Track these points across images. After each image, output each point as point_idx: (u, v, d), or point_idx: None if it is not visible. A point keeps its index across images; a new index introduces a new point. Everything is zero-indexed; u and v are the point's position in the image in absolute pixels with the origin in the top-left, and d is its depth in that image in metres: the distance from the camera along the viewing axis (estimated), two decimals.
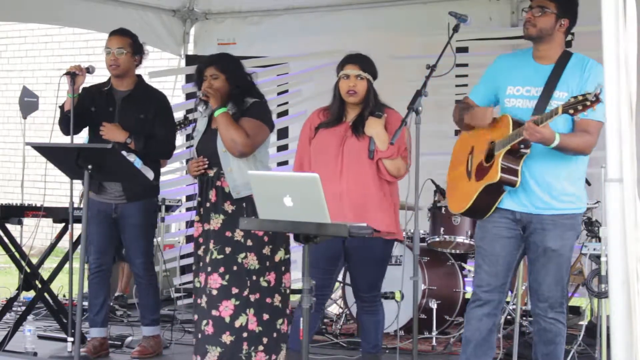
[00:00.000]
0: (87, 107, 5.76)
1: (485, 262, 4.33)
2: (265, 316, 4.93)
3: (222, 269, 4.90)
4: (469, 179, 4.36)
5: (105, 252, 5.84)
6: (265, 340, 4.93)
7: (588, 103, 3.81)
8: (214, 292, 4.89)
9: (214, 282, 4.90)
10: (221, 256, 4.92)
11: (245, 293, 4.90)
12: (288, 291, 5.04)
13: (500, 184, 4.18)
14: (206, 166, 5.00)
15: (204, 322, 4.91)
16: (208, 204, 5.01)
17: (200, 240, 5.04)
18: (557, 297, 4.26)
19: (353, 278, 4.98)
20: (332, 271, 4.87)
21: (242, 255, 4.91)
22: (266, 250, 4.95)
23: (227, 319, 4.87)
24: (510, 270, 4.35)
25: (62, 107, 5.71)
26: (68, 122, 5.57)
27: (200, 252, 5.03)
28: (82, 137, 7.16)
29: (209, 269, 4.92)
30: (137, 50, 5.82)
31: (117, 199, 5.75)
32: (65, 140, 5.64)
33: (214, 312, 4.88)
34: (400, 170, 4.79)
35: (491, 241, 4.31)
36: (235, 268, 4.91)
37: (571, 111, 3.85)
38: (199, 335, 4.94)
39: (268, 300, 4.94)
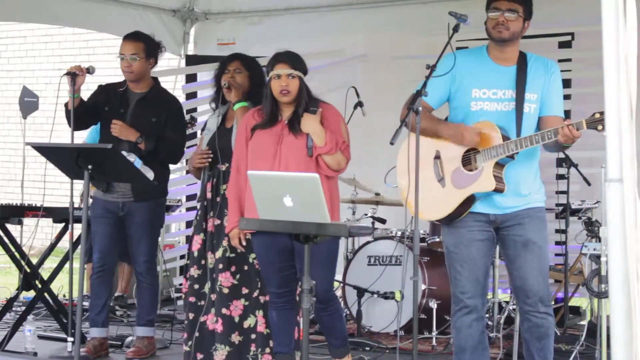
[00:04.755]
0: (100, 104, 5.80)
1: (465, 268, 4.28)
2: None
3: (233, 268, 4.93)
4: (443, 186, 4.28)
5: (109, 252, 5.83)
6: (272, 342, 4.92)
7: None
8: (225, 291, 4.92)
9: (226, 280, 4.92)
10: (233, 255, 4.93)
11: (255, 294, 4.92)
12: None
13: (494, 191, 4.18)
14: (210, 159, 5.02)
15: (213, 319, 4.94)
16: (219, 199, 5.01)
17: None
18: (546, 291, 4.26)
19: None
20: (288, 267, 4.72)
21: (254, 255, 4.88)
22: None
23: (237, 319, 4.90)
24: (488, 273, 4.35)
25: (66, 105, 5.71)
26: (75, 119, 5.59)
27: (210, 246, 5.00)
28: (81, 137, 7.16)
29: (221, 266, 4.94)
30: (151, 53, 5.83)
31: (125, 197, 5.76)
32: (66, 139, 5.65)
33: (225, 311, 4.91)
34: (340, 164, 4.70)
35: (467, 246, 4.27)
36: (245, 267, 4.93)
37: (600, 127, 3.90)
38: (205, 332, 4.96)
39: None
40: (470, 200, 4.22)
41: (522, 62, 4.27)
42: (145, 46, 5.80)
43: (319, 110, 4.72)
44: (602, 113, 3.84)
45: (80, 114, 5.62)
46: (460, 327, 4.33)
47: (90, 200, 5.65)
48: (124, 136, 5.67)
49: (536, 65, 4.26)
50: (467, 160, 4.24)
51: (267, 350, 4.93)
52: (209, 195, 5.07)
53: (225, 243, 4.96)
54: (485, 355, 4.37)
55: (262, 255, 4.72)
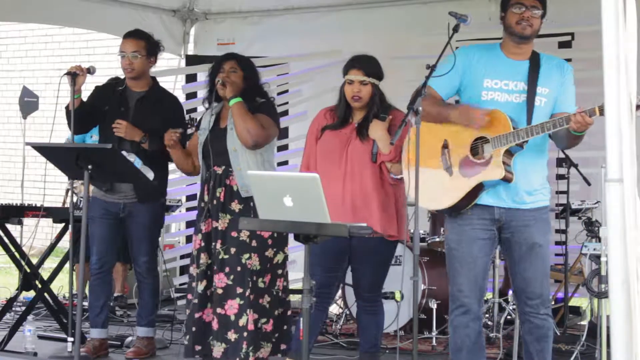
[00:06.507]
0: (98, 105, 5.77)
1: (464, 267, 4.27)
2: (255, 315, 5.02)
3: (227, 269, 5.01)
4: (450, 175, 4.27)
5: (107, 254, 5.82)
6: (253, 337, 5.02)
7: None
8: (219, 291, 5.01)
9: (220, 281, 5.01)
10: (227, 256, 5.02)
11: (247, 293, 4.99)
12: (281, 294, 5.13)
13: (502, 180, 4.18)
14: (177, 137, 5.25)
15: (209, 312, 5.06)
16: (215, 202, 5.07)
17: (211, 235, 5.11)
18: (547, 293, 4.29)
19: (355, 277, 4.97)
20: (336, 270, 4.88)
21: (247, 255, 5.00)
22: (269, 253, 5.05)
23: (232, 318, 4.98)
24: (487, 273, 4.35)
25: (67, 108, 5.70)
26: (77, 121, 5.57)
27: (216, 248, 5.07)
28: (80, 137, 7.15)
29: (215, 267, 5.03)
30: (151, 52, 5.82)
31: (126, 198, 5.74)
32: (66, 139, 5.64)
33: (219, 310, 5.00)
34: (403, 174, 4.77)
35: (468, 244, 4.26)
36: (239, 268, 5.00)
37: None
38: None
39: (260, 300, 5.04)
40: (477, 190, 4.22)
41: (534, 57, 4.29)
42: (147, 44, 5.80)
43: (388, 117, 4.78)
44: None
45: (82, 116, 5.61)
46: (457, 326, 4.33)
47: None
48: (129, 136, 5.65)
49: (549, 63, 4.28)
50: (476, 149, 4.23)
51: (252, 346, 4.98)
52: (205, 197, 5.14)
53: (218, 246, 5.02)
54: (482, 356, 4.38)
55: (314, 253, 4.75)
